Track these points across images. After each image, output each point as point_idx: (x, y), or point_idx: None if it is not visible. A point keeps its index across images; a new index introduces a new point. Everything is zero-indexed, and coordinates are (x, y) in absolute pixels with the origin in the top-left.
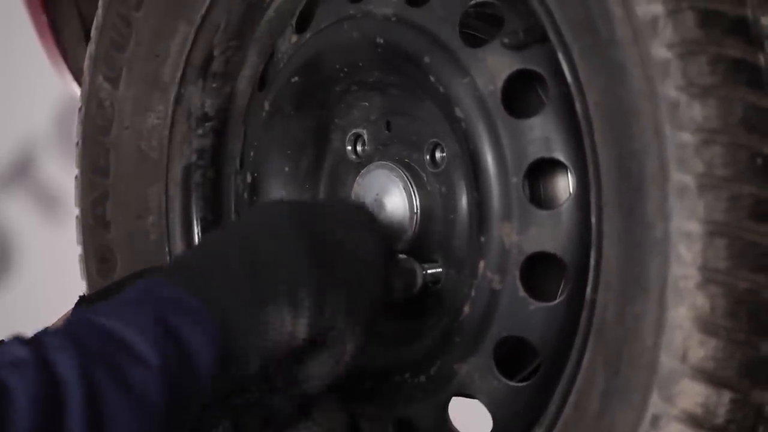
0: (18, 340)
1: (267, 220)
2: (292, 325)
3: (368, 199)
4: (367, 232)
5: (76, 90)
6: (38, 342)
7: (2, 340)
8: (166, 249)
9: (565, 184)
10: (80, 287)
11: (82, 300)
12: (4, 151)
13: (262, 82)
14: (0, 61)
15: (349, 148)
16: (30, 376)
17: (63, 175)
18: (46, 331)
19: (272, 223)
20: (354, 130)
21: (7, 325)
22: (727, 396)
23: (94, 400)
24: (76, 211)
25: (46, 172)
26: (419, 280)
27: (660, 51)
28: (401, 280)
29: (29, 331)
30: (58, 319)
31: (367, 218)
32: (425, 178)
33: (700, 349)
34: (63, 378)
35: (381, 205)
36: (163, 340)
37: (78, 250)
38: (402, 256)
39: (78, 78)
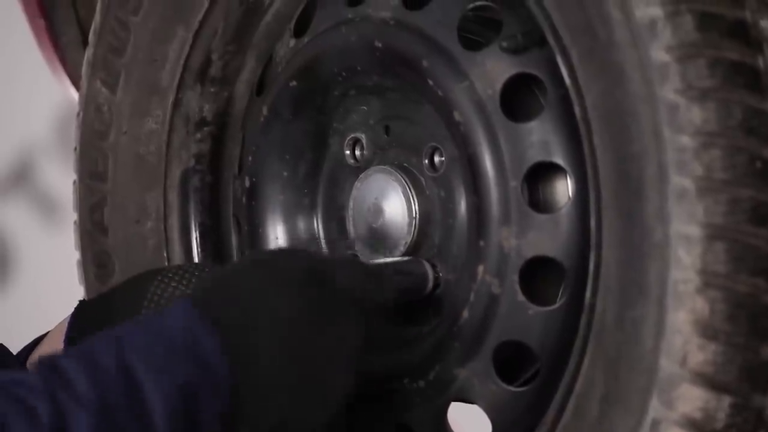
0: (39, 377)
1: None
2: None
3: (367, 203)
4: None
5: (75, 95)
6: (60, 388)
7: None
8: (165, 254)
9: (564, 188)
10: (79, 292)
11: (82, 305)
12: (2, 156)
13: (260, 87)
14: None
15: (348, 152)
16: None
17: (62, 181)
18: (71, 369)
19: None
20: (352, 135)
21: (7, 330)
22: (727, 400)
23: None
24: (75, 216)
25: (45, 178)
26: (430, 282)
27: (659, 54)
28: (411, 282)
29: (29, 336)
30: (58, 325)
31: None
32: (424, 183)
33: (700, 354)
34: None
35: (380, 209)
36: (182, 417)
37: (77, 255)
38: (410, 258)
39: (76, 83)
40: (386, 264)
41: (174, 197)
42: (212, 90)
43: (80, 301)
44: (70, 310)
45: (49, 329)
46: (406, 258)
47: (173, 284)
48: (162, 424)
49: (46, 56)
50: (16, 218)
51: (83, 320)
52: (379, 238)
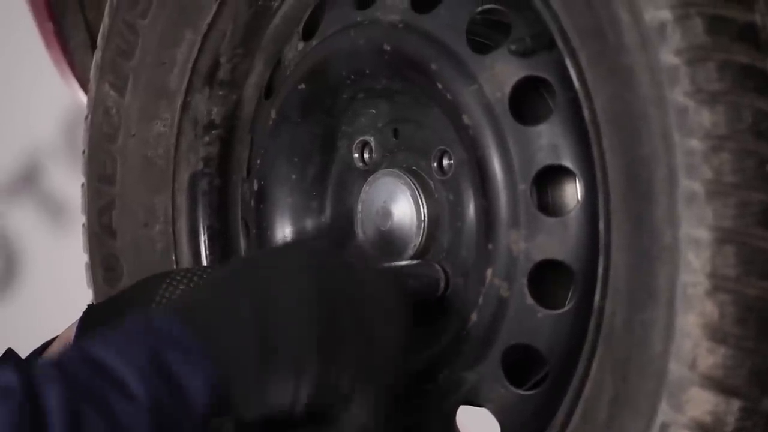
0: (11, 366)
1: (283, 271)
2: (293, 392)
3: (375, 206)
4: (390, 299)
5: (83, 98)
6: (28, 370)
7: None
8: (173, 257)
9: (573, 192)
10: (86, 296)
11: (91, 308)
12: (10, 159)
13: (268, 90)
14: (6, 68)
15: (356, 155)
16: (13, 404)
17: (70, 184)
18: (38, 359)
19: (289, 275)
20: (361, 138)
21: (15, 333)
22: (736, 404)
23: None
24: (83, 220)
25: (53, 181)
26: (442, 286)
27: (668, 57)
28: (423, 285)
29: (36, 340)
30: (67, 329)
31: (393, 284)
32: (432, 186)
33: (709, 357)
34: (46, 408)
35: (388, 213)
36: (155, 376)
37: (84, 258)
38: (422, 261)
39: (84, 86)
40: (399, 267)
41: (182, 200)
42: (220, 93)
43: (89, 305)
44: (79, 313)
45: (58, 333)
46: (417, 261)
47: (181, 287)
48: (139, 388)
49: (55, 59)
50: (24, 221)
51: (92, 324)
52: (387, 242)
